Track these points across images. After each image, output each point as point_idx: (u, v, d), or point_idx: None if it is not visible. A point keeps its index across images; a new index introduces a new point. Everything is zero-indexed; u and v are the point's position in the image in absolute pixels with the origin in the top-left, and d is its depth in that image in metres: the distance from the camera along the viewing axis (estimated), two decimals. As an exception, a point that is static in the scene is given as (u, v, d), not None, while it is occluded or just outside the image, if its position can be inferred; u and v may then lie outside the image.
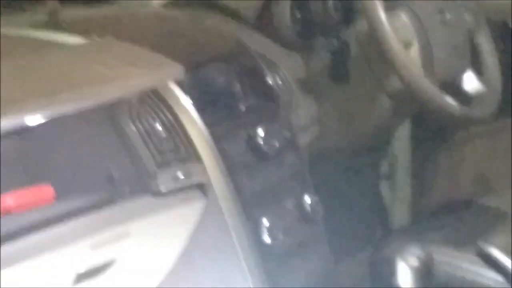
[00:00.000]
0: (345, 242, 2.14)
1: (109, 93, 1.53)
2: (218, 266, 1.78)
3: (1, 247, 1.37)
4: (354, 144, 2.23)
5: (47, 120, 1.44)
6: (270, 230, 1.81)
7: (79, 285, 1.54)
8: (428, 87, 1.94)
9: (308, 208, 1.91)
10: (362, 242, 2.20)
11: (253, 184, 1.82)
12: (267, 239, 1.80)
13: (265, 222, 1.81)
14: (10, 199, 1.40)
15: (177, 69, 1.63)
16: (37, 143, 1.52)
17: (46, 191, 1.45)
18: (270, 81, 1.97)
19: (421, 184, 2.50)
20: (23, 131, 1.47)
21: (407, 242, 1.91)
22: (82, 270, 1.51)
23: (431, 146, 2.49)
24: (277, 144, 1.86)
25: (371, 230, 2.40)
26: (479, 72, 2.10)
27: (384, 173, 2.52)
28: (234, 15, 2.16)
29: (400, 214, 2.50)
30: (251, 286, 1.78)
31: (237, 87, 1.90)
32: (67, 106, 1.44)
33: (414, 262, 1.82)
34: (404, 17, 1.99)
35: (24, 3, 1.98)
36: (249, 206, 1.78)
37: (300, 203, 1.91)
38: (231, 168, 1.76)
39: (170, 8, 2.17)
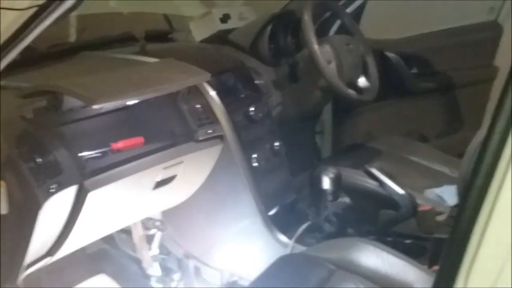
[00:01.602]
0: (297, 166, 2.14)
1: (171, 87, 1.59)
2: (229, 179, 1.87)
3: (116, 169, 1.49)
4: (301, 114, 2.22)
5: (139, 101, 1.55)
6: (257, 160, 1.88)
7: (156, 188, 1.66)
8: (340, 84, 1.96)
9: (277, 148, 1.98)
10: (306, 165, 2.20)
11: (247, 136, 1.88)
12: (255, 164, 1.88)
13: (254, 155, 1.88)
14: (120, 144, 1.52)
15: (207, 75, 1.64)
16: (135, 114, 1.60)
17: (139, 139, 1.56)
18: (256, 82, 2.02)
19: (337, 136, 2.47)
20: (127, 107, 1.59)
21: (328, 165, 1.90)
22: (158, 179, 1.64)
23: (342, 115, 2.47)
24: (260, 115, 1.91)
25: (311, 159, 2.38)
26: (366, 77, 2.10)
27: (318, 130, 2.49)
28: (237, 46, 2.13)
29: (325, 151, 2.48)
30: (248, 190, 1.85)
31: (239, 84, 1.94)
32: (150, 93, 1.53)
33: (331, 175, 1.86)
34: (327, 47, 1.98)
35: (129, 42, 1.99)
36: (245, 147, 1.85)
37: (272, 146, 1.97)
38: (235, 127, 1.83)
39: (204, 43, 2.15)
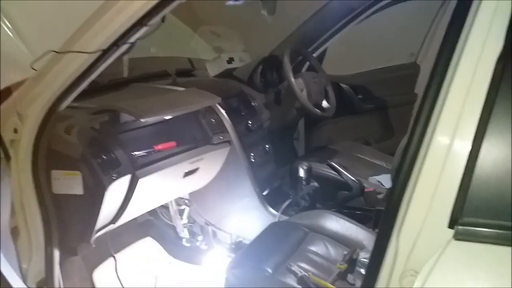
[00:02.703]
0: (281, 161, 2.11)
1: (194, 106, 1.59)
2: (234, 170, 1.85)
3: (157, 163, 1.47)
4: (283, 126, 2.18)
5: (172, 116, 1.54)
6: (253, 157, 1.86)
7: (185, 177, 1.64)
8: (309, 105, 1.95)
9: (267, 149, 1.97)
10: (287, 161, 2.12)
11: (247, 140, 1.86)
12: (252, 160, 1.87)
13: (252, 154, 1.87)
14: (160, 146, 1.50)
15: (218, 99, 1.64)
16: (169, 125, 1.57)
17: (172, 143, 1.55)
18: (252, 103, 2.00)
19: (308, 141, 2.43)
20: (164, 121, 1.56)
21: (302, 160, 1.93)
22: (186, 170, 1.62)
23: (311, 127, 2.43)
24: (255, 126, 1.90)
25: (290, 157, 2.31)
26: (327, 100, 2.08)
27: (295, 137, 2.43)
28: (238, 79, 2.13)
29: (300, 151, 2.43)
30: (248, 178, 1.84)
31: (240, 105, 1.92)
32: (179, 111, 1.52)
33: (304, 167, 1.84)
34: (300, 80, 1.97)
35: (164, 77, 1.96)
36: (246, 149, 1.83)
37: (264, 147, 1.96)
38: (239, 135, 1.81)
39: (215, 77, 2.12)
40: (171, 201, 1.92)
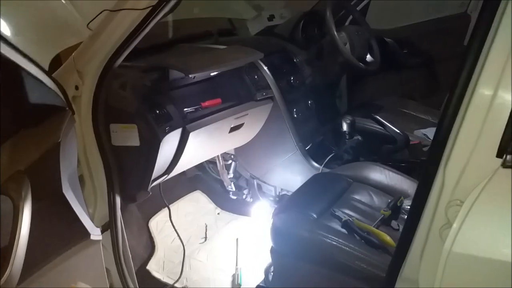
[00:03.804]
0: (323, 117, 2.07)
1: (239, 62, 1.60)
2: (278, 126, 1.86)
3: (205, 118, 1.50)
4: (325, 83, 2.15)
5: (218, 73, 1.56)
6: (296, 112, 1.87)
7: (231, 132, 1.66)
8: (353, 59, 1.93)
9: (310, 105, 1.97)
10: (330, 117, 2.11)
11: (289, 97, 1.86)
12: (295, 116, 1.88)
13: (294, 109, 1.87)
14: (207, 103, 1.53)
15: (261, 54, 1.64)
16: (215, 83, 1.61)
17: (218, 100, 1.58)
18: (295, 60, 1.98)
19: (350, 98, 2.36)
20: (209, 79, 1.59)
21: (348, 115, 1.95)
22: (232, 125, 1.65)
23: (353, 84, 2.37)
24: (297, 82, 1.90)
25: (333, 113, 2.22)
26: (371, 54, 2.05)
27: (337, 94, 2.35)
28: (280, 36, 2.10)
29: (343, 108, 2.34)
30: (291, 133, 1.85)
31: (282, 62, 1.92)
32: (225, 67, 1.54)
33: (348, 121, 1.85)
34: (343, 33, 1.95)
35: (207, 37, 1.96)
36: (288, 105, 1.84)
37: (306, 103, 1.95)
38: (281, 91, 1.82)
39: (257, 36, 2.13)
40: (218, 156, 2.00)
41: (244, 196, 2.11)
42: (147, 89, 1.41)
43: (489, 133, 0.67)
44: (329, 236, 1.22)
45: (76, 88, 1.27)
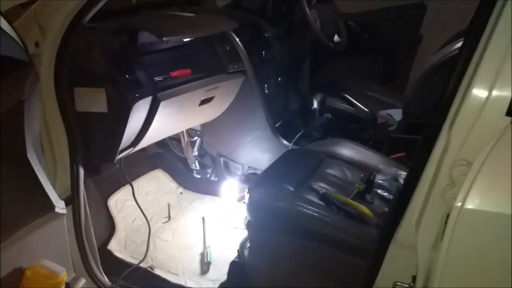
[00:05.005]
0: (292, 94, 2.07)
1: (213, 30, 1.55)
2: (248, 101, 1.83)
3: (175, 88, 1.43)
4: (295, 58, 2.11)
5: (188, 42, 1.50)
6: (267, 88, 1.85)
7: (201, 105, 1.61)
8: (323, 35, 1.94)
9: (279, 82, 1.94)
10: (298, 93, 2.11)
11: (261, 71, 1.83)
12: (266, 91, 1.86)
13: (265, 85, 1.85)
14: (176, 73, 1.48)
15: (235, 23, 1.59)
16: (185, 52, 1.55)
17: (187, 71, 1.52)
18: (266, 34, 1.95)
19: (313, 81, 2.27)
20: (179, 47, 1.53)
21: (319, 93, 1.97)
22: (202, 98, 1.61)
23: (317, 67, 2.32)
24: (268, 57, 1.87)
25: (301, 89, 2.20)
26: (338, 34, 2.08)
27: (303, 73, 2.24)
28: (249, 10, 2.04)
29: (305, 90, 2.27)
30: (261, 109, 1.82)
31: (253, 35, 1.88)
32: (199, 33, 1.49)
33: (318, 98, 1.89)
34: (314, 11, 1.91)
35: (174, 5, 1.80)
36: (259, 79, 1.81)
37: (276, 79, 1.93)
38: (253, 65, 1.78)
39: (225, 8, 2.07)
40: (183, 132, 1.93)
41: (208, 175, 2.06)
42: (117, 51, 1.31)
43: (501, 87, 0.67)
44: (309, 207, 1.22)
45: (37, 45, 1.14)
